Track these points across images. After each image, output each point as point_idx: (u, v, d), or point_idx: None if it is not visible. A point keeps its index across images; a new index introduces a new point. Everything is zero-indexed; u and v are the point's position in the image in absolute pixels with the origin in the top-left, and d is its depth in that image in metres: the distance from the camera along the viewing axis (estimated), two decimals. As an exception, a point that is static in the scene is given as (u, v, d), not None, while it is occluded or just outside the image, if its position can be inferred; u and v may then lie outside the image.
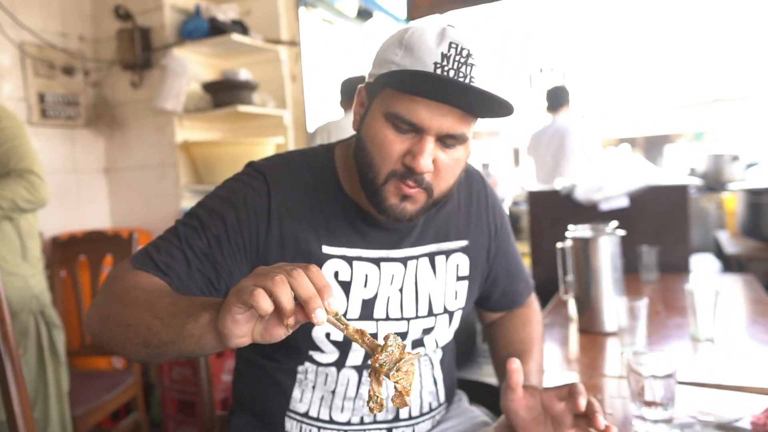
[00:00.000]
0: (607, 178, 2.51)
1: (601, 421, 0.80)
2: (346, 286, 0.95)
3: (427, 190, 0.87)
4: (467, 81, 0.80)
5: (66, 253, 2.29)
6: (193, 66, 2.94)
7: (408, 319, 0.99)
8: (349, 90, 3.03)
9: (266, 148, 2.96)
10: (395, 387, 0.68)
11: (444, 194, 0.91)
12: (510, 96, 0.84)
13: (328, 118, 3.25)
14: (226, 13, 2.90)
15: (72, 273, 2.24)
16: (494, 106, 0.82)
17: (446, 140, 0.85)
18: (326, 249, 0.95)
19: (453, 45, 0.81)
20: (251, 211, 0.92)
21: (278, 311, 0.62)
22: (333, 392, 0.98)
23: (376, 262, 0.97)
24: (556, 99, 4.27)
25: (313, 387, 0.99)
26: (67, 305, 2.39)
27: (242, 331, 0.64)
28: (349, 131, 2.66)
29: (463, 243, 1.05)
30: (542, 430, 0.88)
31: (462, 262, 1.05)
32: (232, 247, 0.91)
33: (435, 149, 0.85)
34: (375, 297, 0.97)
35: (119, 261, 2.21)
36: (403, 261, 0.99)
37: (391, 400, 0.70)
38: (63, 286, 2.34)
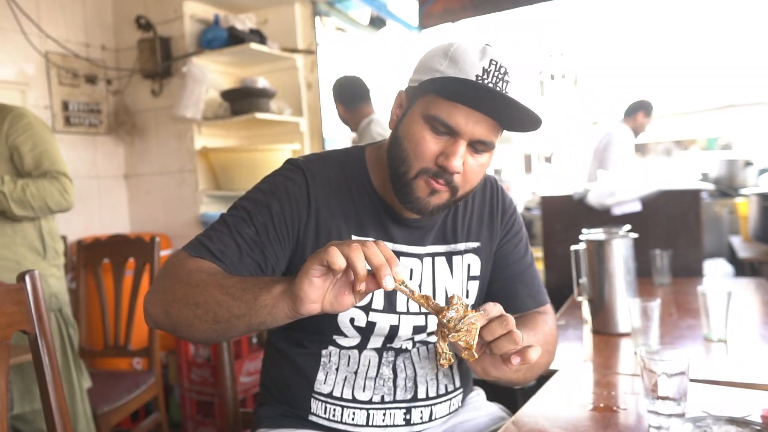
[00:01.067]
0: (620, 183, 2.53)
1: (514, 361, 0.83)
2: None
3: (453, 189, 0.95)
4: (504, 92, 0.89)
5: (90, 256, 2.35)
6: (212, 74, 3.00)
7: (426, 314, 1.05)
8: (343, 91, 2.98)
9: (283, 154, 3.02)
10: (460, 343, 0.77)
11: (465, 195, 0.98)
12: (538, 112, 0.91)
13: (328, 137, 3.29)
14: (244, 23, 2.97)
15: (96, 276, 2.30)
16: (524, 120, 0.91)
17: (476, 146, 0.93)
18: (355, 238, 1.01)
19: (493, 62, 0.89)
20: (293, 201, 1.00)
21: (353, 274, 0.71)
22: (355, 373, 1.05)
23: (397, 255, 1.04)
24: (629, 108, 4.42)
25: (337, 369, 1.05)
26: (91, 307, 2.44)
27: (316, 295, 0.73)
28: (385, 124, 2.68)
29: (475, 245, 1.11)
30: (487, 357, 0.89)
31: (474, 263, 1.11)
32: (278, 233, 0.98)
33: (465, 153, 0.92)
34: (394, 290, 1.02)
35: (141, 264, 2.28)
36: (420, 257, 1.06)
37: (462, 353, 0.79)
38: (87, 288, 2.40)
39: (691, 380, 1.01)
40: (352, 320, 1.02)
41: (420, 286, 1.06)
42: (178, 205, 3.13)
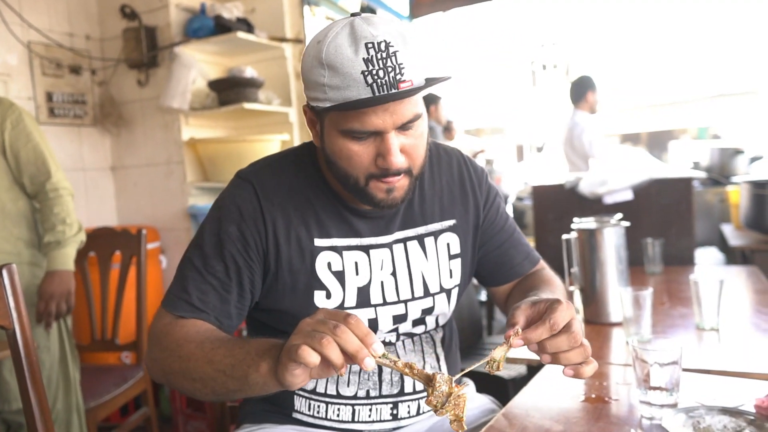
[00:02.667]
0: (612, 172, 2.52)
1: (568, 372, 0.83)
2: (340, 276, 1.00)
3: (408, 173, 0.93)
4: (398, 71, 0.83)
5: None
6: (199, 64, 2.96)
7: (405, 302, 1.03)
8: None
9: (272, 144, 2.98)
10: (449, 416, 0.76)
11: (421, 167, 0.95)
12: (437, 65, 0.86)
13: None
14: (231, 12, 2.92)
15: (82, 269, 2.26)
16: (431, 83, 0.87)
17: (404, 126, 0.89)
18: (318, 242, 0.99)
19: (369, 45, 0.82)
20: (248, 220, 0.97)
21: (330, 366, 0.72)
22: None
23: (365, 249, 1.01)
24: (574, 92, 4.32)
25: None
26: (77, 301, 2.41)
27: (300, 380, 0.74)
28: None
29: (450, 222, 1.08)
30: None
31: (452, 241, 1.08)
32: (245, 258, 0.96)
33: (399, 138, 0.89)
34: (369, 283, 1.01)
35: (128, 258, 2.24)
36: (389, 246, 1.03)
37: (451, 424, 0.77)
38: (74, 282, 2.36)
39: (684, 369, 1.00)
40: None
41: (394, 274, 1.03)
42: (165, 197, 3.09)
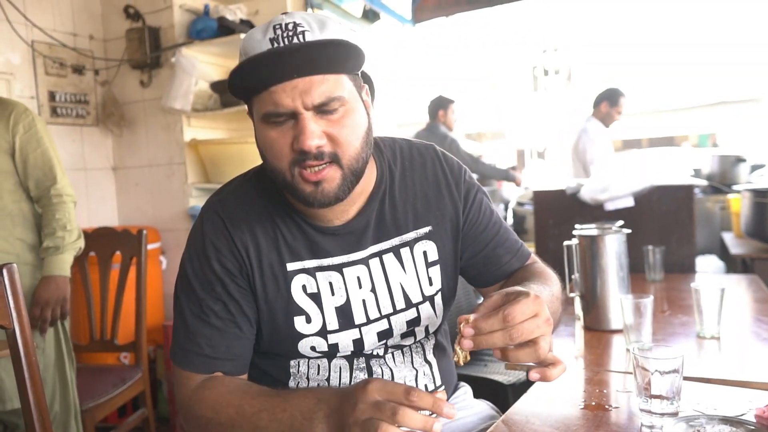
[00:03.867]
0: (613, 178, 2.52)
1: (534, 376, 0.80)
2: (316, 298, 0.97)
3: (335, 162, 0.87)
4: (301, 45, 0.82)
5: (76, 249, 2.30)
6: (202, 65, 2.96)
7: (387, 316, 1.00)
8: None
9: (273, 147, 2.98)
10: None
11: (355, 160, 0.89)
12: (350, 38, 0.85)
13: None
14: (234, 13, 2.92)
15: (82, 268, 2.26)
16: (336, 54, 0.84)
17: (323, 109, 0.85)
18: (291, 266, 0.97)
19: (278, 26, 0.84)
20: (225, 251, 0.95)
21: None
22: (327, 380, 1.01)
23: (338, 268, 0.98)
24: (595, 99, 4.35)
25: (307, 378, 1.01)
26: (77, 301, 2.41)
27: None
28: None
29: (426, 229, 1.03)
30: None
31: (429, 248, 1.03)
32: (236, 289, 0.95)
33: (319, 122, 0.85)
34: (348, 303, 0.98)
35: (128, 258, 2.24)
36: (364, 261, 1.00)
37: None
38: (73, 282, 2.36)
39: (684, 378, 0.99)
40: (313, 348, 0.98)
41: (374, 290, 1.00)
42: (167, 198, 3.09)
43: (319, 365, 1.00)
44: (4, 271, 1.05)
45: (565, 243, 1.68)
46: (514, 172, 4.64)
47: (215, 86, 2.95)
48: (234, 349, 0.94)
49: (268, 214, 0.98)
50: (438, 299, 1.05)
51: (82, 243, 1.96)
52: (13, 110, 1.86)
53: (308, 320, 0.97)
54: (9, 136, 1.83)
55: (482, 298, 0.99)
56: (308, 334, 0.97)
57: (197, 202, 3.02)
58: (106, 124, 3.14)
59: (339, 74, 0.86)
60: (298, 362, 1.01)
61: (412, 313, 1.02)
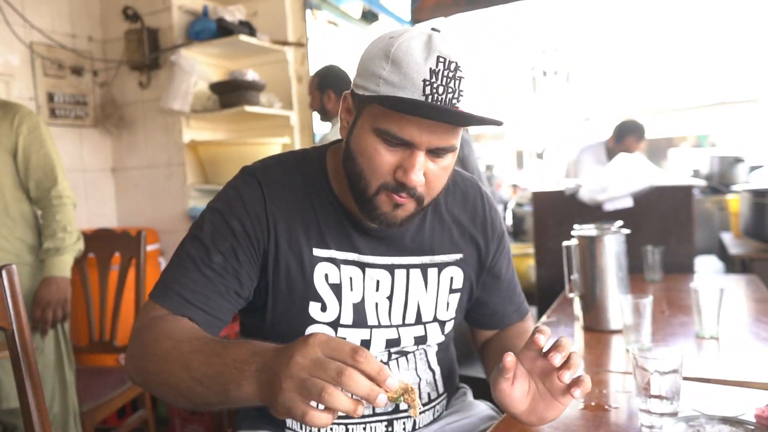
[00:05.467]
0: (612, 179, 2.52)
1: (566, 377, 0.83)
2: (336, 289, 0.97)
3: (418, 199, 0.89)
4: (456, 96, 0.81)
5: (75, 250, 2.30)
6: (201, 66, 2.96)
7: (396, 327, 1.01)
8: (339, 80, 2.82)
9: (272, 148, 2.98)
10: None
11: (431, 200, 0.92)
12: (494, 111, 0.85)
13: (322, 130, 3.18)
14: (233, 14, 2.93)
15: (81, 270, 2.26)
16: (482, 120, 0.83)
17: (436, 152, 0.86)
18: (317, 252, 0.96)
19: (441, 59, 0.80)
20: (253, 215, 0.94)
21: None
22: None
23: (361, 266, 0.98)
24: (620, 132, 3.87)
25: None
26: (76, 302, 2.40)
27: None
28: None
29: (458, 256, 1.05)
30: (540, 401, 0.88)
31: (456, 275, 1.05)
32: (246, 253, 0.93)
33: (426, 161, 0.86)
34: (362, 302, 0.99)
35: (127, 259, 2.24)
36: (389, 269, 1.00)
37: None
38: (72, 283, 2.35)
39: (684, 378, 0.99)
40: None
41: (390, 297, 1.00)
42: (166, 199, 3.09)
43: None
44: (4, 273, 1.05)
45: (564, 243, 1.68)
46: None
47: (214, 87, 2.95)
48: (212, 302, 0.90)
49: (307, 196, 0.97)
50: (449, 325, 1.07)
51: (81, 245, 1.96)
52: (18, 112, 1.88)
53: (323, 308, 0.96)
54: (13, 136, 1.84)
55: None
56: (320, 321, 0.96)
57: (196, 203, 3.02)
58: (104, 125, 3.14)
59: (464, 127, 0.87)
60: None
61: (419, 330, 1.03)
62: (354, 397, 0.64)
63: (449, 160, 0.89)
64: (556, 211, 2.61)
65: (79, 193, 3.02)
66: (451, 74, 0.81)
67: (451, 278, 1.05)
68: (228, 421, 1.37)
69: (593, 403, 1.07)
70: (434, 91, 0.80)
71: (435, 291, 1.03)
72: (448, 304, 1.05)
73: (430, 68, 0.80)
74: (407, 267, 1.01)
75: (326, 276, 0.97)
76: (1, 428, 1.85)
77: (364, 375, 0.63)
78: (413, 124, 0.82)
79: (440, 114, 0.80)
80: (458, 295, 1.06)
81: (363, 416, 1.01)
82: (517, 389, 0.88)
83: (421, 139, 0.83)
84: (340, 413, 0.98)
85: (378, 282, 0.99)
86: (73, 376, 1.96)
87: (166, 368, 0.79)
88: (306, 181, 0.98)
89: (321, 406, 0.64)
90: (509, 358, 0.85)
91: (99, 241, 2.29)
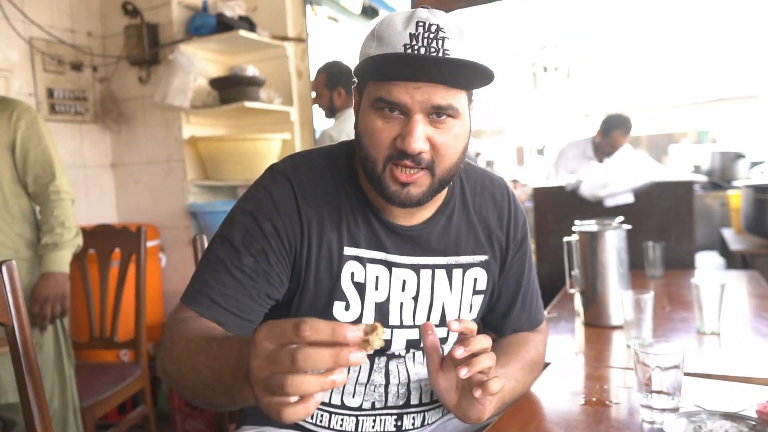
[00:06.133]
0: (613, 175, 2.52)
1: (462, 372, 0.79)
2: (360, 289, 0.96)
3: (429, 169, 0.88)
4: (440, 55, 0.81)
5: (75, 246, 2.30)
6: (200, 62, 2.95)
7: (419, 327, 0.98)
8: (348, 75, 2.83)
9: (273, 144, 2.97)
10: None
11: (448, 172, 0.90)
12: (488, 63, 0.84)
13: (323, 125, 3.17)
14: (233, 10, 2.92)
15: (81, 266, 2.26)
16: (472, 74, 0.84)
17: (437, 115, 0.85)
18: (347, 251, 0.95)
19: (420, 23, 0.82)
20: (285, 218, 0.92)
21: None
22: None
23: (388, 265, 0.97)
24: (606, 126, 3.80)
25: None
26: (76, 298, 2.41)
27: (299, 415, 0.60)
28: (347, 133, 2.63)
29: (483, 258, 1.04)
30: (464, 398, 0.86)
31: (480, 277, 1.04)
32: (277, 256, 0.92)
33: (427, 127, 0.85)
34: (387, 301, 0.98)
35: (127, 255, 2.24)
36: (415, 269, 0.99)
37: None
38: (72, 279, 2.35)
39: (685, 374, 0.99)
40: None
41: (416, 298, 0.99)
42: (166, 195, 3.08)
43: None
44: (4, 268, 1.05)
45: (565, 239, 1.68)
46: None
47: (214, 83, 2.94)
48: (243, 306, 0.89)
49: (336, 194, 0.96)
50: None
51: (80, 240, 1.96)
52: (17, 107, 1.88)
53: (347, 308, 0.96)
54: (11, 131, 1.84)
55: None
56: (342, 321, 0.95)
57: (196, 199, 3.02)
58: (104, 121, 3.13)
59: (462, 90, 0.86)
60: None
61: (442, 332, 1.01)
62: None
63: (456, 127, 0.87)
64: (557, 207, 2.61)
65: (79, 189, 3.02)
66: (432, 35, 0.82)
67: (475, 279, 1.03)
68: (229, 416, 1.37)
69: (594, 399, 1.07)
70: (415, 52, 0.81)
71: (459, 292, 1.02)
72: (471, 305, 1.04)
73: (410, 33, 0.82)
74: (433, 267, 1.00)
75: (352, 275, 0.96)
76: (0, 424, 1.85)
77: (319, 345, 0.55)
78: (400, 88, 0.83)
79: (419, 62, 0.81)
80: (482, 296, 1.05)
81: (374, 409, 1.00)
82: (443, 380, 0.86)
83: (412, 99, 0.83)
84: (349, 407, 0.98)
85: (404, 282, 0.98)
86: (73, 371, 1.95)
87: (180, 370, 0.77)
88: (335, 179, 0.97)
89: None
90: (429, 332, 0.83)
91: (99, 237, 2.29)
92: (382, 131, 0.86)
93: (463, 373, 0.79)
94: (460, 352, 0.79)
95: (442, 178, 0.90)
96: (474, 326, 0.82)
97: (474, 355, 0.80)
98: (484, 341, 0.81)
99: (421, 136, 0.84)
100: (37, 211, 1.96)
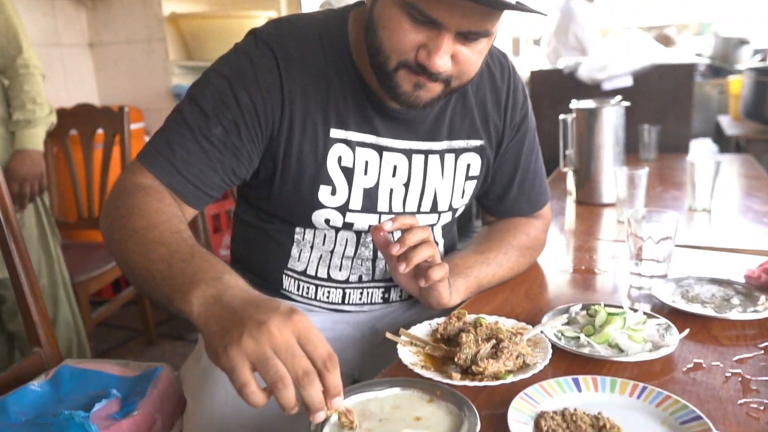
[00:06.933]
0: (612, 57, 2.43)
1: (401, 268, 0.81)
2: (348, 173, 0.91)
3: (445, 81, 0.80)
4: None
5: (56, 126, 2.23)
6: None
7: (410, 214, 0.95)
8: None
9: (258, 21, 2.82)
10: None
11: (462, 85, 0.83)
12: None
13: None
14: None
15: (64, 147, 2.20)
16: (521, 7, 0.73)
17: (468, 36, 0.76)
18: (333, 133, 0.89)
19: None
20: (265, 91, 0.84)
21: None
22: (331, 252, 0.97)
23: (378, 149, 0.92)
24: None
25: (311, 247, 0.97)
26: (61, 180, 2.37)
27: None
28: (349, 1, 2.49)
29: (478, 143, 0.97)
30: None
31: (474, 162, 0.98)
32: (250, 131, 0.85)
33: (454, 45, 0.76)
34: (376, 187, 0.93)
35: (111, 135, 2.17)
36: (407, 153, 0.94)
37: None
38: (56, 160, 2.30)
39: (676, 245, 0.99)
40: (327, 221, 0.93)
41: (407, 185, 0.94)
42: (147, 77, 2.96)
43: (325, 235, 0.96)
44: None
45: (561, 116, 1.63)
46: None
47: (193, -47, 2.74)
48: (204, 177, 0.83)
49: (326, 70, 0.88)
50: (460, 210, 1.03)
51: (54, 118, 1.88)
52: None
53: (333, 192, 0.91)
54: None
55: None
56: (328, 206, 0.92)
57: (180, 80, 2.90)
58: (78, -5, 2.94)
59: (501, 11, 0.75)
60: (304, 230, 0.96)
61: (432, 218, 0.99)
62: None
63: (483, 45, 0.79)
64: (554, 91, 2.53)
65: (55, 70, 2.88)
66: None
67: (468, 165, 0.99)
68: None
69: (583, 267, 1.07)
70: None
71: (452, 178, 0.98)
72: (463, 191, 1.00)
73: None
74: (426, 153, 0.94)
75: (339, 158, 0.90)
76: None
77: (321, 383, 0.56)
78: (445, 3, 0.71)
79: None
80: (474, 182, 1.00)
81: (360, 282, 0.99)
82: (401, 275, 0.87)
83: (451, 20, 0.73)
84: (336, 280, 0.97)
85: (395, 167, 0.93)
86: (59, 248, 1.95)
87: (128, 245, 0.72)
88: (326, 52, 0.88)
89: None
90: (381, 233, 0.81)
91: (80, 117, 2.21)
92: (407, 34, 0.76)
93: (402, 268, 0.80)
94: (395, 250, 0.80)
95: (454, 89, 0.83)
96: (411, 219, 0.82)
97: (414, 248, 0.81)
98: (420, 233, 0.81)
99: (446, 55, 0.76)
100: (5, 86, 1.86)
